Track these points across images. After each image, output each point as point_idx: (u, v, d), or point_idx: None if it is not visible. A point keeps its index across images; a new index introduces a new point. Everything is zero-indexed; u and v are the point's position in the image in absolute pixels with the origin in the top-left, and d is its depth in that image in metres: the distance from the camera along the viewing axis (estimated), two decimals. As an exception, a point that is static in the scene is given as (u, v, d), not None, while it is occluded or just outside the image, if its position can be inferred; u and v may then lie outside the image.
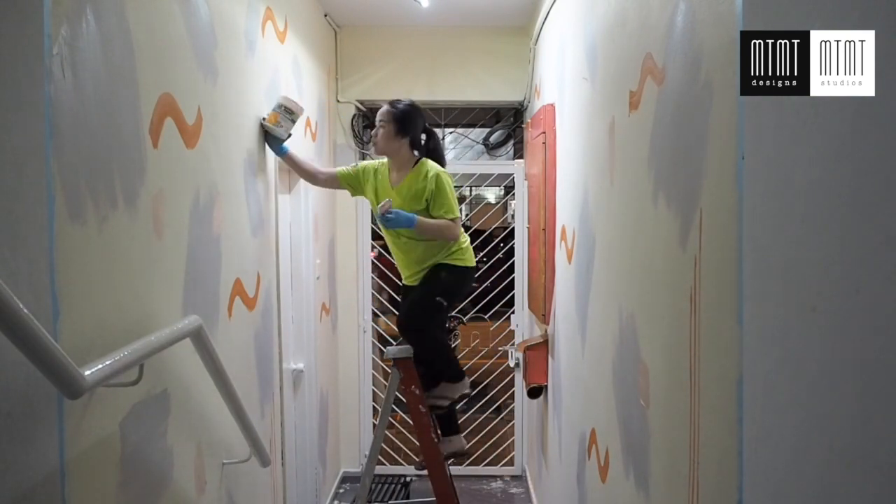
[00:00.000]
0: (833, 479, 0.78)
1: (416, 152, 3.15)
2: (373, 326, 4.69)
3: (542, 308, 3.47)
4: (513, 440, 4.68)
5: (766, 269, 0.94)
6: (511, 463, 4.70)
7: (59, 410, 1.29)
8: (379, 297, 4.73)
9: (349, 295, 4.63)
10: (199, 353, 1.89)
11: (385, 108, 3.11)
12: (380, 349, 4.61)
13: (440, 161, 3.19)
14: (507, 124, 4.84)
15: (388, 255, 3.47)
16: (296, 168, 3.16)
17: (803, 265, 0.84)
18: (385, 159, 3.20)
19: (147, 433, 1.69)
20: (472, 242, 4.78)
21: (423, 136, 3.18)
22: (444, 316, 3.25)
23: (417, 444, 3.27)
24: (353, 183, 3.24)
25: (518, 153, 4.75)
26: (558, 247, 3.08)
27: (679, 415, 1.32)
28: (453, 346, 4.79)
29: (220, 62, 2.23)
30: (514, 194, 4.64)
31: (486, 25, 4.44)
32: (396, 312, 4.67)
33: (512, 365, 4.59)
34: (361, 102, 4.55)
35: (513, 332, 4.65)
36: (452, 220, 3.04)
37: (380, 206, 2.93)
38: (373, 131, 3.12)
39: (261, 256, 2.73)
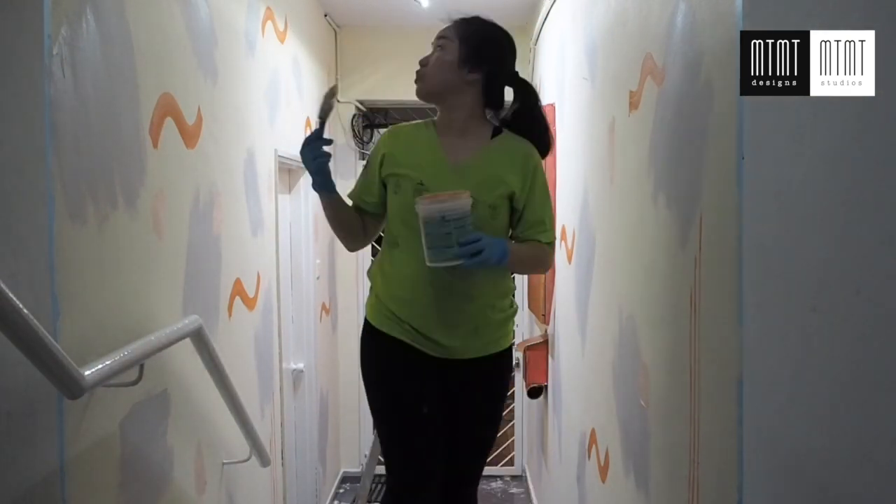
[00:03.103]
0: (833, 479, 0.78)
1: (490, 113, 1.81)
2: (373, 326, 4.69)
3: (542, 308, 3.47)
4: (513, 440, 4.68)
5: (766, 269, 0.94)
6: (511, 463, 4.70)
7: (59, 410, 1.29)
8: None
9: (349, 295, 4.63)
10: (199, 353, 1.89)
11: (452, 22, 1.79)
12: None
13: (542, 144, 1.83)
14: (507, 124, 4.83)
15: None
16: (345, 227, 1.86)
17: (803, 265, 0.84)
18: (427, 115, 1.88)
19: (147, 433, 1.69)
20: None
21: (513, 90, 1.83)
22: None
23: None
24: (373, 191, 1.82)
25: (518, 153, 4.74)
26: (558, 247, 3.07)
27: (679, 415, 1.31)
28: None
29: (220, 62, 2.23)
30: (514, 194, 4.63)
31: (486, 25, 4.44)
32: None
33: (512, 365, 4.59)
34: (361, 102, 4.55)
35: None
36: (550, 245, 1.84)
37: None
38: (422, 58, 1.79)
39: (261, 256, 2.72)
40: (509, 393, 2.07)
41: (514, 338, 1.96)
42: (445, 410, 1.82)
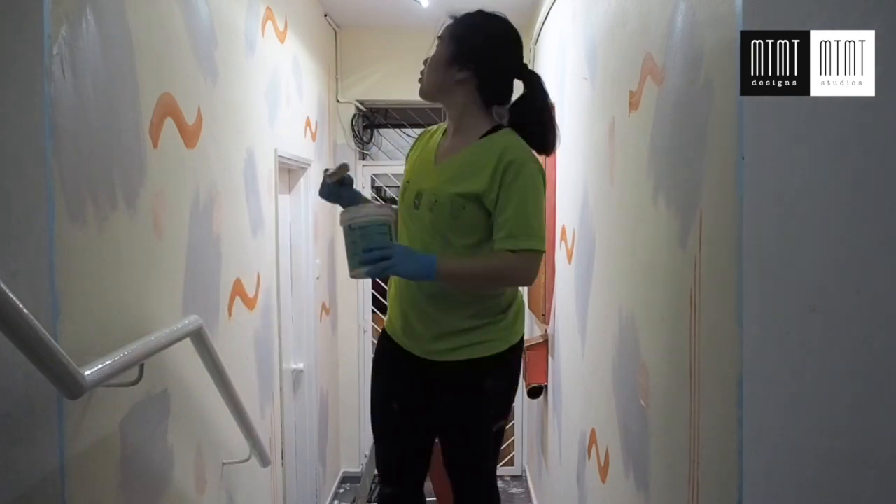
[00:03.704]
0: (833, 479, 0.78)
1: (491, 108, 1.73)
2: (373, 326, 4.69)
3: (542, 308, 3.47)
4: (513, 440, 4.68)
5: (766, 269, 0.94)
6: (511, 463, 4.70)
7: (59, 410, 1.29)
8: (379, 297, 4.73)
9: (349, 295, 4.63)
10: (199, 353, 1.89)
11: (452, 20, 1.77)
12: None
13: (544, 145, 1.75)
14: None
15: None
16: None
17: (803, 265, 0.84)
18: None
19: (147, 433, 1.69)
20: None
21: (518, 81, 1.76)
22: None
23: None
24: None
25: (518, 153, 4.75)
26: (558, 247, 3.07)
27: (679, 415, 1.31)
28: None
29: (220, 62, 2.23)
30: (514, 194, 4.63)
31: (486, 25, 4.44)
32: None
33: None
34: (361, 102, 4.55)
35: (513, 332, 4.64)
36: (530, 252, 1.63)
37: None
38: (426, 58, 1.79)
39: (261, 256, 2.72)
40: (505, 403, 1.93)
41: (501, 347, 1.79)
42: (430, 410, 1.86)
